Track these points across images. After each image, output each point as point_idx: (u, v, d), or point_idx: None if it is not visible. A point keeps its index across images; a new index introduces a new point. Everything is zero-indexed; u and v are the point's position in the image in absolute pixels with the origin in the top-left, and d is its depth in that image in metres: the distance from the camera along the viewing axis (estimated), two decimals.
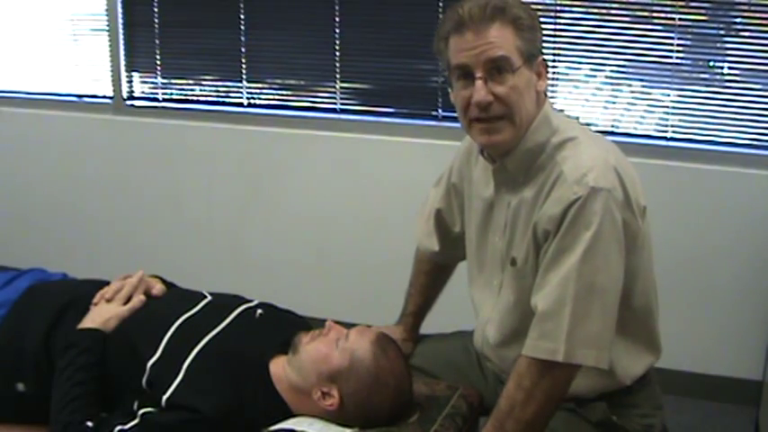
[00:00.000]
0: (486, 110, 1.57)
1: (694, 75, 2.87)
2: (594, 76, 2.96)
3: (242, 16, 3.33)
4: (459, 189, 1.87)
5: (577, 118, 2.11)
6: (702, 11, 2.80)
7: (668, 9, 2.83)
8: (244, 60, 3.38)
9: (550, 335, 1.52)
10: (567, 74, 2.92)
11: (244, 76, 3.41)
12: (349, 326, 1.72)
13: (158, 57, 3.49)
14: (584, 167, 1.53)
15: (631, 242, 1.56)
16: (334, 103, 3.32)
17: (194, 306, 1.83)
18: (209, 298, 1.89)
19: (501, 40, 1.55)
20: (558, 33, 2.92)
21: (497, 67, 1.55)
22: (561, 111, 1.82)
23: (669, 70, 2.88)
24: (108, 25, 3.52)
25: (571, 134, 1.62)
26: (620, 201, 1.53)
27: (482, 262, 1.78)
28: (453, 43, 1.59)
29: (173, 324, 1.75)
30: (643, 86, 2.93)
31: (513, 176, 1.64)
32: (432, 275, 2.03)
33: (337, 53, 3.25)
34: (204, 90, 3.49)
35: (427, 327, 2.07)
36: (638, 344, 1.69)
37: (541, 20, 2.96)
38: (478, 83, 1.55)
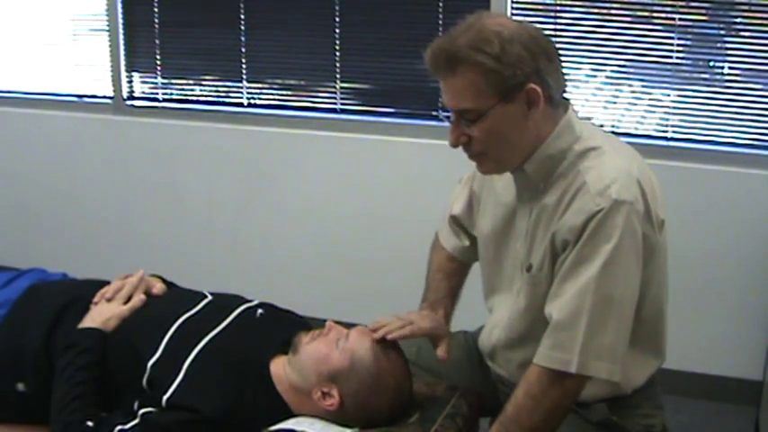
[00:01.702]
0: (464, 148, 1.59)
1: (694, 75, 2.87)
2: (595, 76, 2.96)
3: (242, 16, 3.34)
4: (478, 196, 1.86)
5: (589, 120, 2.09)
6: (702, 11, 2.80)
7: (668, 9, 2.83)
8: (244, 60, 3.38)
9: (564, 345, 1.51)
10: (567, 74, 2.91)
11: (244, 76, 3.41)
12: (349, 326, 1.72)
13: (158, 57, 3.49)
14: (607, 179, 1.52)
15: (648, 255, 1.55)
16: (335, 103, 3.32)
17: (195, 306, 1.83)
18: (210, 298, 1.89)
19: (463, 88, 1.53)
20: (558, 33, 2.92)
21: (464, 117, 1.55)
22: (589, 119, 1.81)
23: (669, 70, 2.88)
24: (108, 25, 3.52)
25: (594, 143, 1.60)
26: (642, 214, 1.52)
27: (501, 268, 1.76)
28: None
29: (173, 324, 1.75)
30: (643, 86, 2.93)
31: (533, 182, 1.63)
32: (457, 262, 1.96)
33: (337, 53, 3.25)
34: (204, 90, 3.49)
35: None
36: (646, 353, 1.68)
37: (541, 20, 2.99)
38: (451, 126, 1.58)
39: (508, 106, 1.53)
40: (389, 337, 1.67)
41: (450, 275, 1.92)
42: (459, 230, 1.94)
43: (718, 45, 2.83)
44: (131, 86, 3.59)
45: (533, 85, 1.53)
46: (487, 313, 1.85)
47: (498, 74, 1.50)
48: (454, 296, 1.91)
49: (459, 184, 1.95)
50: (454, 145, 1.59)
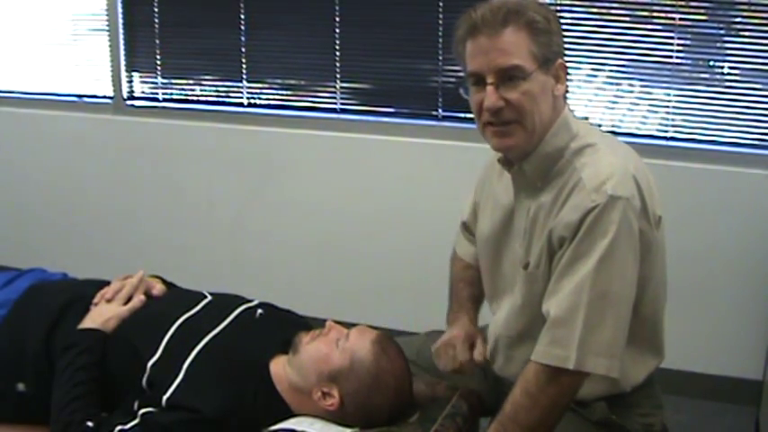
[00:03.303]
0: (497, 114, 1.56)
1: (695, 75, 2.87)
2: (596, 77, 2.96)
3: (242, 16, 3.34)
4: (478, 203, 1.87)
5: (586, 118, 2.11)
6: (702, 11, 2.80)
7: (668, 9, 2.83)
8: (244, 60, 3.38)
9: (562, 341, 1.51)
10: (568, 75, 2.92)
11: (244, 76, 3.41)
12: (349, 326, 1.72)
13: (158, 57, 3.49)
14: (603, 175, 1.52)
15: (645, 251, 1.55)
16: (335, 103, 3.32)
17: (194, 306, 1.83)
18: (210, 298, 1.89)
19: (513, 45, 1.53)
20: None
21: (509, 75, 1.54)
22: (586, 118, 1.82)
23: (670, 70, 2.88)
24: (108, 25, 3.52)
25: (590, 140, 1.61)
26: (638, 210, 1.52)
27: (501, 270, 1.76)
28: (468, 48, 1.58)
29: (173, 324, 1.75)
30: (644, 86, 2.93)
31: (531, 181, 1.64)
32: (474, 269, 1.95)
33: (337, 53, 3.25)
34: (204, 90, 3.49)
35: (429, 326, 2.07)
36: (644, 351, 1.68)
37: None
38: (489, 88, 1.55)
39: (544, 76, 1.56)
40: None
41: (470, 283, 1.92)
42: (471, 237, 1.95)
43: (719, 45, 2.83)
44: (131, 86, 3.59)
45: (562, 61, 1.59)
46: (490, 315, 1.85)
47: (548, 36, 1.55)
48: (476, 301, 1.91)
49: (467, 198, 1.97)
50: (494, 108, 1.55)
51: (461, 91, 1.64)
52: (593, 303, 1.50)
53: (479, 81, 1.57)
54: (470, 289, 1.91)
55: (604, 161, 1.56)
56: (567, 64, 1.62)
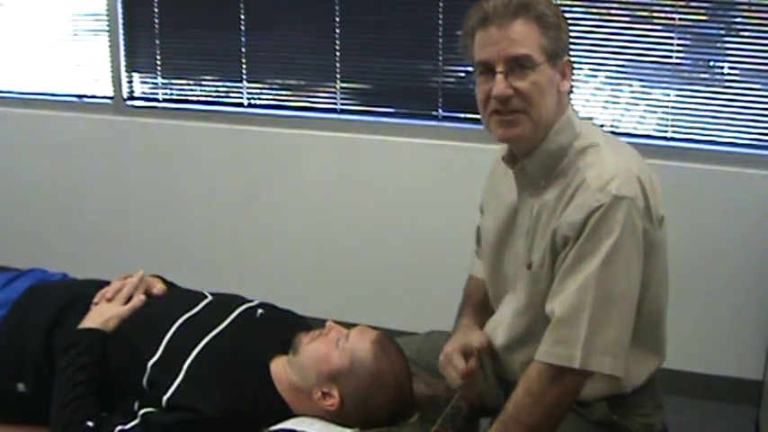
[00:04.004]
0: (504, 103, 1.57)
1: (694, 75, 2.87)
2: (595, 76, 2.96)
3: (242, 16, 3.34)
4: (484, 206, 1.88)
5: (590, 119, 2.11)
6: (702, 11, 2.80)
7: (668, 9, 2.83)
8: (244, 60, 3.38)
9: (567, 341, 1.52)
10: (573, 73, 2.91)
11: (244, 76, 3.41)
12: (349, 326, 1.72)
13: (158, 57, 3.49)
14: (607, 175, 1.53)
15: (648, 250, 1.56)
16: (335, 103, 3.32)
17: (195, 306, 1.83)
18: (210, 298, 1.89)
19: (524, 36, 1.55)
20: None
21: (519, 65, 1.55)
22: (591, 119, 1.82)
23: (669, 70, 2.88)
24: (108, 25, 3.53)
25: (594, 140, 1.62)
26: (642, 209, 1.53)
27: (503, 270, 1.76)
28: (478, 38, 1.59)
29: (173, 324, 1.75)
30: (643, 86, 2.93)
31: (534, 179, 1.64)
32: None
33: (337, 53, 3.25)
34: (204, 90, 3.49)
35: (429, 326, 2.07)
36: (646, 351, 1.68)
37: None
38: (499, 77, 1.56)
39: (552, 70, 1.58)
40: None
41: (475, 292, 1.91)
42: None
43: (718, 45, 2.83)
44: (131, 86, 3.59)
45: (567, 59, 1.61)
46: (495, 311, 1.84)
47: (557, 31, 1.58)
48: (477, 306, 1.88)
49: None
50: (503, 95, 1.56)
51: (471, 86, 1.65)
52: (598, 303, 1.51)
53: (488, 70, 1.58)
54: (475, 296, 1.90)
55: (608, 161, 1.57)
56: None
